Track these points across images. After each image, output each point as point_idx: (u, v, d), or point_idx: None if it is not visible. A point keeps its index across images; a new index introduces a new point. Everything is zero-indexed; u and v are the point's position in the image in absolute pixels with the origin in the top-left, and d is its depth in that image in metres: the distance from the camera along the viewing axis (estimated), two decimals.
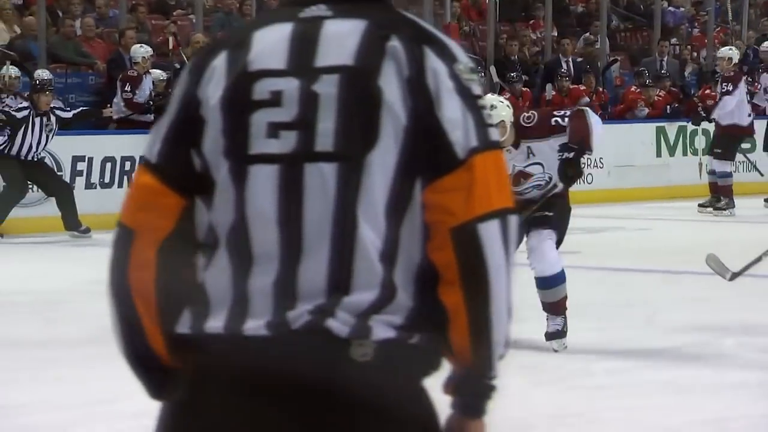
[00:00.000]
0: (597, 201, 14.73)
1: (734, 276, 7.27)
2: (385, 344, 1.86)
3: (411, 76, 1.91)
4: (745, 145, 14.62)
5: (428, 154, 1.91)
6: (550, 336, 6.51)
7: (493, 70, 16.04)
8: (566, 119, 6.55)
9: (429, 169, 1.90)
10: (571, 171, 6.59)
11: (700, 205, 13.98)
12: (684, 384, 6.06)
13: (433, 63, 1.92)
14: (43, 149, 12.14)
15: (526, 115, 6.83)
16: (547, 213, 6.62)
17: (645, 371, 6.31)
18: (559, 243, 6.63)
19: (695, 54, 19.95)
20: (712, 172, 14.01)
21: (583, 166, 6.74)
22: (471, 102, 1.92)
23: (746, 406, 5.73)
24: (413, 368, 1.92)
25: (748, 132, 14.15)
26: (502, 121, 6.34)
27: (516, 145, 6.56)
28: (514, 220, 1.94)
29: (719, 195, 13.86)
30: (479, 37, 18.37)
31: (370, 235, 1.86)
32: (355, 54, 1.93)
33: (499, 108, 6.42)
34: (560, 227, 6.68)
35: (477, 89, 1.97)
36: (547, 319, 6.53)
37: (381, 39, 1.93)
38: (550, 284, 6.48)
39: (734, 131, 13.83)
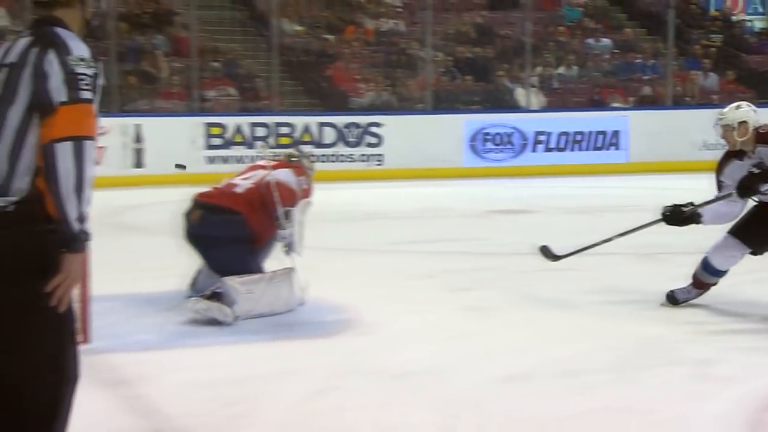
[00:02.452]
0: None
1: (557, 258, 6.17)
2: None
3: (36, 64, 2.76)
4: None
5: (41, 106, 2.74)
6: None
7: None
8: None
9: (41, 113, 2.73)
10: (746, 183, 5.55)
11: None
12: None
13: (52, 57, 2.76)
14: None
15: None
16: None
17: None
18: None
19: None
20: None
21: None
22: (69, 76, 2.74)
23: None
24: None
25: None
26: (744, 121, 5.54)
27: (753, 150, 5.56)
28: (83, 143, 2.70)
29: None
30: None
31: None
32: (17, 55, 2.81)
33: (741, 110, 5.61)
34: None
35: (81, 68, 2.75)
36: None
37: (28, 48, 2.80)
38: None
39: None
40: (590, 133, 14.61)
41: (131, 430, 3.92)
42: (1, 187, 2.76)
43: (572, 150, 14.57)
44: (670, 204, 5.77)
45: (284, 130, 13.52)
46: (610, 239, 5.98)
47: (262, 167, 5.91)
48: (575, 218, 9.83)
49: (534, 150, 14.42)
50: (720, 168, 5.75)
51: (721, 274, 5.75)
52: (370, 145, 13.81)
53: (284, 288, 5.68)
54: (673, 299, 5.81)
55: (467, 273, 6.92)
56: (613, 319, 5.63)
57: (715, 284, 5.79)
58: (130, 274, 6.45)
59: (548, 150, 14.48)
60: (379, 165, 13.75)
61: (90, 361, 4.76)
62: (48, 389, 2.80)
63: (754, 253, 5.74)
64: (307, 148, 6.85)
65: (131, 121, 12.79)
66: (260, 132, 13.31)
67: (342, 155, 13.69)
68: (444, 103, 14.92)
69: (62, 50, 2.76)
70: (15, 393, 2.78)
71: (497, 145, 14.26)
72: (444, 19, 16.86)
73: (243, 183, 5.82)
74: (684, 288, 5.82)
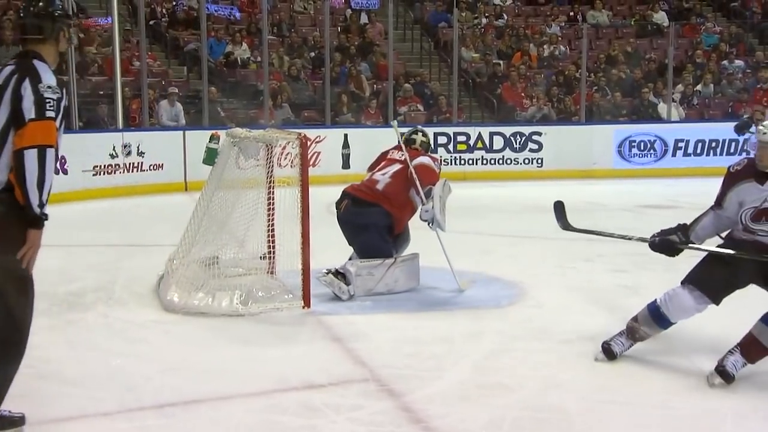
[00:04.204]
0: None
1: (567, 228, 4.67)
2: None
3: (15, 88, 3.00)
4: None
5: (16, 120, 2.96)
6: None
7: None
8: None
9: (16, 126, 2.96)
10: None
11: None
12: None
13: (26, 83, 3.00)
14: None
15: None
16: None
17: None
18: None
19: None
20: None
21: None
22: (38, 99, 2.97)
23: None
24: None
25: None
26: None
27: None
28: (46, 150, 2.93)
29: None
30: None
31: None
32: (2, 79, 3.05)
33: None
34: None
35: (48, 94, 2.99)
36: None
37: (11, 74, 3.05)
38: None
39: None
40: (724, 140, 13.87)
41: (347, 376, 3.97)
42: None
43: (708, 155, 13.88)
44: (658, 231, 4.27)
45: (461, 138, 13.43)
46: (629, 238, 4.57)
47: (398, 161, 5.66)
48: None
49: (674, 155, 13.84)
50: (732, 182, 4.05)
51: (668, 325, 4.12)
52: (532, 150, 13.56)
53: (404, 272, 5.51)
54: (611, 353, 4.17)
55: (622, 257, 6.67)
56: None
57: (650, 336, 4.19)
58: (344, 253, 6.53)
59: (686, 155, 13.87)
60: (539, 167, 13.48)
61: (311, 321, 4.88)
62: (17, 324, 3.11)
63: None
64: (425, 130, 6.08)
65: (341, 131, 12.99)
66: (442, 140, 13.25)
67: (508, 158, 13.50)
68: (596, 116, 14.48)
69: (35, 78, 3.02)
70: None
71: (642, 150, 13.75)
72: (597, 45, 16.39)
73: (382, 179, 5.62)
74: (618, 340, 4.22)
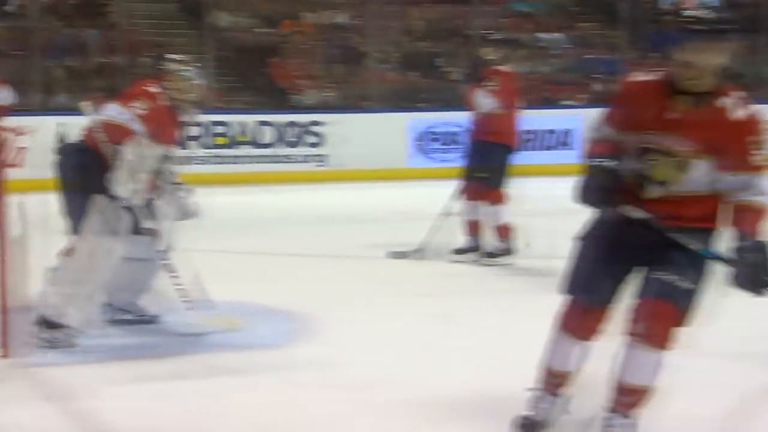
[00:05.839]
0: None
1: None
2: None
3: None
4: None
5: None
6: None
7: None
8: None
9: None
10: None
11: None
12: None
13: None
14: None
15: None
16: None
17: None
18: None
19: None
20: None
21: None
22: None
23: None
24: None
25: None
26: None
27: None
28: None
29: None
30: None
31: None
32: None
33: None
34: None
35: None
36: None
37: None
38: None
39: None
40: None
41: None
42: None
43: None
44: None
45: (219, 129, 13.29)
46: None
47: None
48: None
49: None
50: None
51: None
52: (311, 144, 13.68)
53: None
54: None
55: (428, 279, 6.84)
56: None
57: None
58: None
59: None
60: (319, 165, 13.60)
61: (18, 375, 4.63)
62: None
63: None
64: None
65: (54, 120, 12.39)
66: (193, 131, 12.99)
67: (281, 156, 13.49)
68: (388, 101, 14.81)
69: None
70: None
71: (444, 145, 14.17)
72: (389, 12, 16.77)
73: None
74: None
